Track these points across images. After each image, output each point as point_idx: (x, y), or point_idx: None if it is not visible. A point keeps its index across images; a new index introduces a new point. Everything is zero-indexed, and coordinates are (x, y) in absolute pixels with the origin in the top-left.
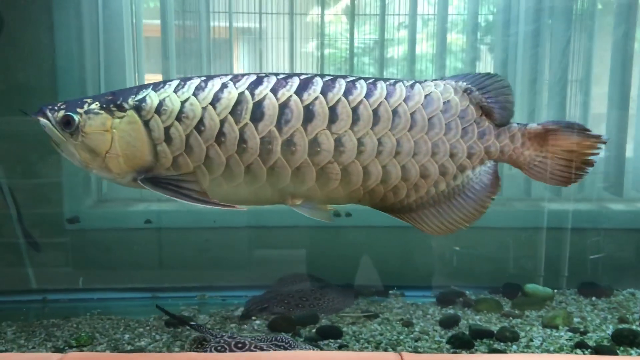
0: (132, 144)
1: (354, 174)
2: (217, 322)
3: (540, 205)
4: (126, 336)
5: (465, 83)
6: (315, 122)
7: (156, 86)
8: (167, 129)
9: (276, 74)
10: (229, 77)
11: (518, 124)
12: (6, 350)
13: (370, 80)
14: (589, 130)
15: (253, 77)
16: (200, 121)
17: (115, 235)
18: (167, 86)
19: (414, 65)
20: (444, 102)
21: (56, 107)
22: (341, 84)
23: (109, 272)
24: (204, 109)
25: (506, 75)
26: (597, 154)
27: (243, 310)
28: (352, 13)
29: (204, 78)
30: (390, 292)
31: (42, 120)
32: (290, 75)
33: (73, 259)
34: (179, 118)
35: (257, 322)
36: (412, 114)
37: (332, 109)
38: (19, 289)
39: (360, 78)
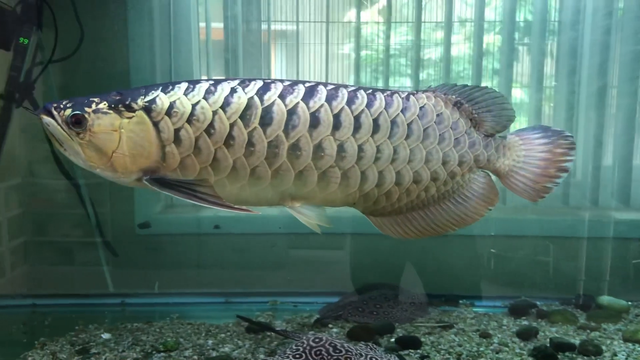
0: (140, 144)
1: (353, 178)
2: (294, 329)
3: (607, 214)
4: (209, 342)
5: (454, 96)
6: (320, 129)
7: (165, 88)
8: (177, 131)
9: (281, 81)
10: (237, 81)
11: (500, 136)
12: (99, 353)
13: (370, 91)
14: (565, 134)
15: (260, 83)
16: (211, 124)
17: (184, 241)
18: (176, 88)
19: (450, 66)
20: (437, 115)
21: (62, 106)
22: (344, 93)
23: (182, 277)
24: (215, 112)
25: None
26: (571, 160)
27: (318, 317)
28: (388, 15)
29: (212, 82)
30: (460, 301)
31: (46, 118)
32: (295, 83)
33: (145, 263)
34: (189, 120)
35: (335, 330)
36: (409, 124)
37: (336, 117)
38: (98, 292)
39: (360, 88)
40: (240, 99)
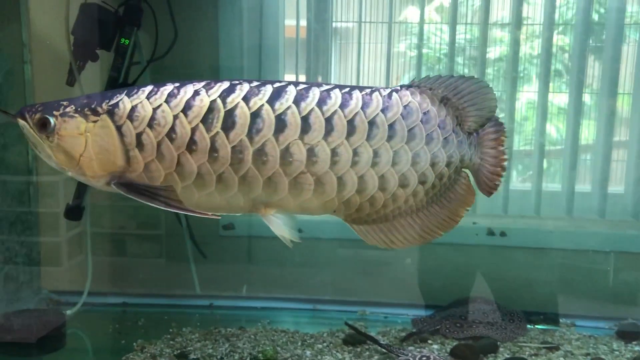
0: (105, 148)
1: (328, 184)
2: (392, 343)
3: None
4: (307, 352)
5: (441, 91)
6: (287, 132)
7: (130, 92)
8: (139, 135)
9: (249, 81)
10: (202, 84)
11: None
12: (198, 359)
13: (346, 90)
14: (498, 121)
15: (226, 85)
16: (172, 128)
17: (268, 243)
18: (140, 92)
19: (517, 66)
20: (424, 113)
21: (34, 109)
22: (315, 94)
23: (267, 281)
24: (176, 116)
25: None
26: (505, 158)
27: (413, 331)
28: (451, 13)
29: (177, 84)
30: (561, 320)
31: (21, 121)
32: (263, 83)
33: (230, 265)
34: (150, 124)
35: (435, 346)
36: (391, 125)
37: (305, 119)
38: (186, 293)
39: (336, 87)
40: (202, 102)
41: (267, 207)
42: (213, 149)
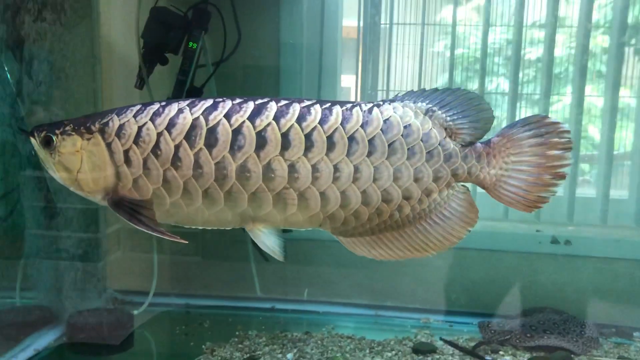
0: (98, 165)
1: (312, 199)
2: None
3: None
4: None
5: (425, 104)
6: (268, 149)
7: (120, 111)
8: (126, 152)
9: (232, 99)
10: (187, 102)
11: (482, 142)
12: None
13: (326, 105)
14: (560, 129)
15: (210, 102)
16: (156, 145)
17: (327, 246)
18: (128, 111)
19: (552, 68)
20: (405, 127)
21: (41, 128)
22: (295, 109)
23: (327, 285)
24: (160, 134)
25: None
26: (568, 164)
27: (481, 341)
28: (486, 14)
29: (163, 103)
30: (634, 334)
31: (32, 139)
32: (245, 100)
33: (290, 268)
34: (136, 142)
35: (507, 358)
36: (370, 140)
37: (284, 135)
38: (248, 295)
39: (316, 102)
40: (185, 120)
41: (255, 222)
42: (197, 164)
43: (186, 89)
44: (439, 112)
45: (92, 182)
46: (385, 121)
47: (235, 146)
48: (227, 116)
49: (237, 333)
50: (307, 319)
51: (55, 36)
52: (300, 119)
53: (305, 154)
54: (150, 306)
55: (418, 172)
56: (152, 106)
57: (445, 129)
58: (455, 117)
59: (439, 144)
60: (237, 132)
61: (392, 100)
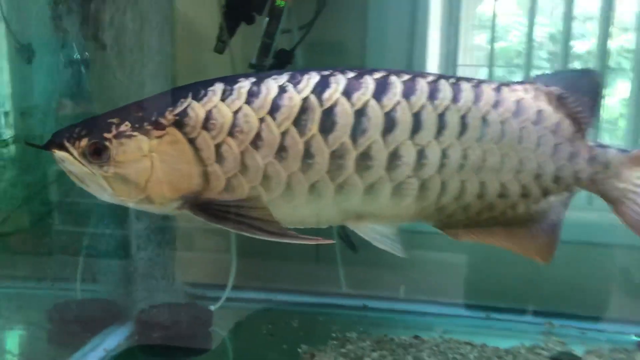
0: (177, 168)
1: (432, 189)
2: None
3: None
4: None
5: (558, 87)
6: (397, 132)
7: (196, 93)
8: (218, 147)
9: (342, 71)
10: (285, 77)
11: (618, 148)
12: None
13: (452, 80)
14: None
15: (316, 77)
16: (257, 135)
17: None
18: (209, 93)
19: (606, 61)
20: (537, 112)
21: (75, 135)
22: (422, 86)
23: (421, 281)
24: (262, 119)
25: None
26: None
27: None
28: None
29: (253, 80)
30: None
31: (59, 153)
32: (360, 74)
33: (381, 262)
34: (231, 132)
35: None
36: (501, 123)
37: (416, 116)
38: (335, 291)
39: (440, 77)
40: (293, 101)
41: (358, 219)
42: (307, 155)
43: (273, 53)
44: (572, 98)
45: (169, 191)
46: (516, 102)
47: (357, 130)
48: (346, 94)
49: (333, 335)
50: (403, 319)
51: None
52: (432, 96)
53: (436, 138)
54: (226, 301)
55: (541, 167)
56: (240, 84)
57: (574, 119)
58: (584, 107)
59: (568, 139)
60: (360, 113)
61: (522, 82)
